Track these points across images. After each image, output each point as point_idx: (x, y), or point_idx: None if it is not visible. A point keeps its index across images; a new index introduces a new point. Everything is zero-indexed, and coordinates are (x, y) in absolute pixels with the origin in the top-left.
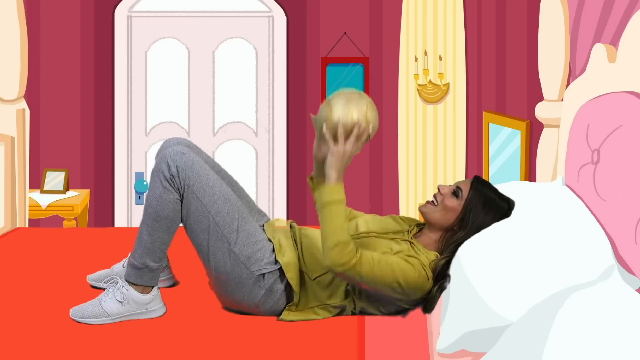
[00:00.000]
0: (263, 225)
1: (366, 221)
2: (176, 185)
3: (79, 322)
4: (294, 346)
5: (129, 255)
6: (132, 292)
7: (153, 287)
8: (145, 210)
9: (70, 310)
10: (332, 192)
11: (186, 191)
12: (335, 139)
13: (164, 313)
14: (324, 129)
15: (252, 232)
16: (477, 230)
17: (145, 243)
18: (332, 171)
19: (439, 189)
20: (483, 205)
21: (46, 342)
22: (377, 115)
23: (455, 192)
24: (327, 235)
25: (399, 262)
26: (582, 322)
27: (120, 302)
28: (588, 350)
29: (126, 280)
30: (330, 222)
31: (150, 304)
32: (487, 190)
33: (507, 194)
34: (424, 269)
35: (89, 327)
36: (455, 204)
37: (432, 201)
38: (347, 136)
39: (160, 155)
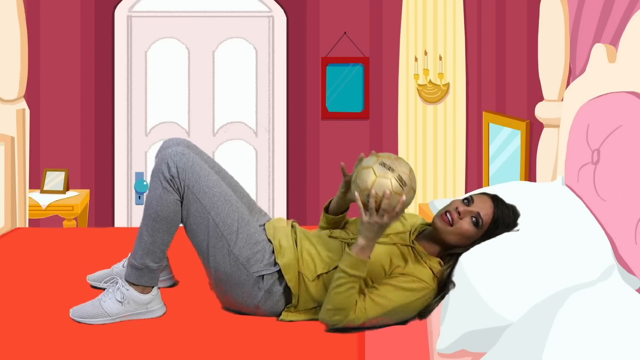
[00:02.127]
0: (264, 225)
1: None
2: (176, 186)
3: (79, 322)
4: (294, 346)
5: (129, 255)
6: (132, 292)
7: (153, 287)
8: (146, 211)
9: (70, 310)
10: (353, 265)
11: (186, 192)
12: (366, 208)
13: (164, 313)
14: (358, 196)
15: (252, 234)
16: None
17: (146, 244)
18: (360, 239)
19: (458, 210)
20: (501, 232)
21: (46, 342)
22: (412, 180)
23: (476, 222)
24: (328, 295)
25: (399, 297)
26: (582, 322)
27: (120, 302)
28: (588, 350)
29: (126, 280)
30: (335, 286)
31: (150, 304)
32: (507, 214)
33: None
34: (426, 286)
35: (89, 327)
36: (473, 233)
37: (448, 219)
38: (377, 208)
39: (160, 156)
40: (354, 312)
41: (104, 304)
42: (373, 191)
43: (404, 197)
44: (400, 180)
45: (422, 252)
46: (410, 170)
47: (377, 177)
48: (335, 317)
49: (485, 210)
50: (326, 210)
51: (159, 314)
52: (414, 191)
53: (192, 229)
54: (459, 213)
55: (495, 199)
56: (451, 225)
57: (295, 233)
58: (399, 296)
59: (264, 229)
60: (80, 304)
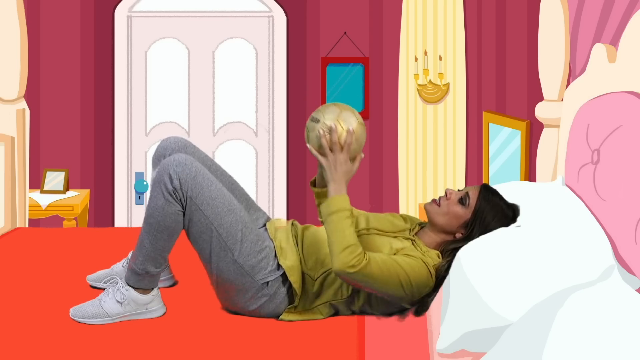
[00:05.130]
0: (265, 224)
1: (367, 218)
2: (179, 198)
3: (78, 322)
4: (294, 346)
5: (130, 256)
6: (132, 292)
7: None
8: (147, 219)
9: (70, 310)
10: (333, 204)
11: (189, 203)
12: (321, 153)
13: (164, 313)
14: (310, 148)
15: (256, 241)
16: (480, 235)
17: (147, 251)
18: (330, 185)
19: (446, 193)
20: (493, 215)
21: (46, 342)
22: (353, 117)
23: (462, 200)
24: (334, 242)
25: (405, 260)
26: (582, 322)
27: (120, 302)
28: (588, 350)
29: (126, 283)
30: (335, 230)
31: (150, 304)
32: (496, 199)
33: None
34: (428, 267)
35: (89, 327)
36: (461, 212)
37: (437, 201)
38: (331, 147)
39: (162, 165)
40: (363, 251)
41: (104, 304)
42: (321, 131)
43: (350, 128)
44: (343, 119)
45: (422, 245)
46: (346, 112)
47: (320, 124)
48: (350, 257)
49: (473, 192)
50: (313, 184)
51: (159, 314)
52: (363, 125)
53: (195, 238)
54: (446, 195)
55: (485, 187)
56: (439, 206)
57: (296, 231)
58: (404, 259)
59: (266, 229)
60: (80, 304)
